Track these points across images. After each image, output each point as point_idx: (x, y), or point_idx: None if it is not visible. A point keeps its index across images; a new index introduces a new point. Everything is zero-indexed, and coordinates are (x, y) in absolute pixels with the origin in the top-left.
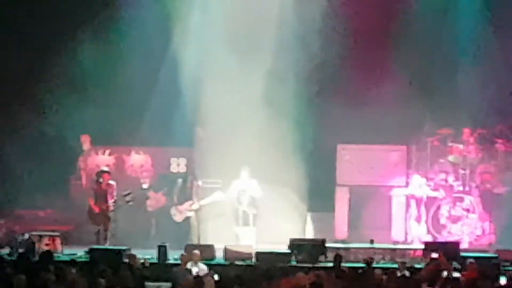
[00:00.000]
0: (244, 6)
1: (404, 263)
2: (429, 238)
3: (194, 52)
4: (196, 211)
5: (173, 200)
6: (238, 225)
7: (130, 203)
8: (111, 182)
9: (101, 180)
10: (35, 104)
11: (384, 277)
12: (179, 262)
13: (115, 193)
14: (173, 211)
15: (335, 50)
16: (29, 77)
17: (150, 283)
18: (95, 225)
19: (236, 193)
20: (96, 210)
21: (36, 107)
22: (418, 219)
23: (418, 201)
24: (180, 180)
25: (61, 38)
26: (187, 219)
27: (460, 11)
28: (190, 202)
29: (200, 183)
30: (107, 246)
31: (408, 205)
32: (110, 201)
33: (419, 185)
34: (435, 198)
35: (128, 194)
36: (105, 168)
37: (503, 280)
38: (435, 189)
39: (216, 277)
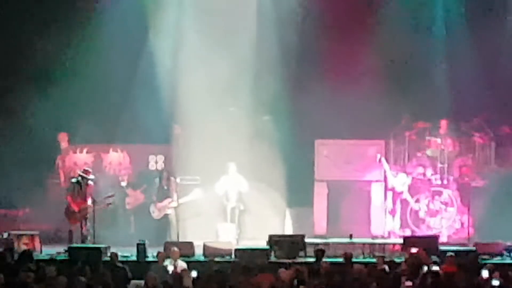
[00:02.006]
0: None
1: (382, 257)
2: (403, 232)
3: (170, 47)
4: (175, 208)
5: (152, 198)
6: (226, 222)
7: (110, 206)
8: (90, 182)
9: (82, 179)
10: (9, 103)
11: (364, 271)
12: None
13: (92, 194)
14: (152, 208)
15: (312, 45)
16: (1, 75)
17: (134, 281)
18: (70, 224)
19: (223, 189)
20: (75, 208)
21: (11, 106)
22: (392, 213)
23: (395, 195)
24: (156, 179)
25: (34, 34)
26: (166, 216)
27: (435, 5)
28: (169, 199)
29: (178, 180)
30: (87, 244)
31: (384, 198)
32: (89, 200)
33: (402, 183)
34: (414, 191)
35: (111, 196)
36: (91, 177)
37: (485, 274)
38: (416, 193)
39: (194, 273)
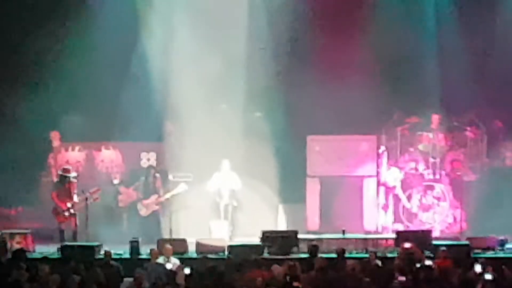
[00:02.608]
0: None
1: (375, 252)
2: (397, 227)
3: (161, 44)
4: (165, 204)
5: (139, 195)
6: (219, 219)
7: (97, 201)
8: (73, 180)
9: (64, 177)
10: (4, 99)
11: (357, 267)
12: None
13: (76, 191)
14: (139, 205)
15: (303, 41)
16: None
17: (127, 278)
18: (59, 222)
19: (216, 186)
20: (63, 207)
21: (1, 105)
22: (385, 208)
23: (387, 190)
24: (142, 177)
25: (24, 32)
26: (154, 213)
27: (426, 0)
28: (156, 196)
29: (171, 177)
30: (79, 242)
31: (377, 193)
32: (75, 197)
33: (394, 178)
34: (406, 185)
35: (97, 190)
36: (72, 174)
37: (477, 268)
38: (408, 188)
39: (187, 270)
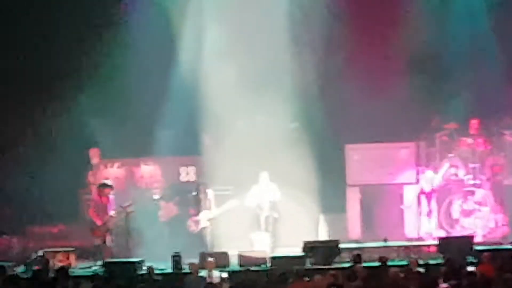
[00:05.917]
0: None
1: (416, 259)
2: (440, 233)
3: (198, 58)
4: (211, 219)
5: (189, 212)
6: (260, 231)
7: (132, 214)
8: (111, 196)
9: (103, 193)
10: (40, 120)
11: (401, 274)
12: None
13: (114, 207)
14: (189, 222)
15: (340, 48)
16: (33, 89)
17: None
18: (96, 237)
19: (255, 199)
20: (99, 222)
21: (42, 123)
22: (428, 214)
23: (428, 196)
24: (193, 193)
25: (59, 48)
26: (203, 229)
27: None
28: (207, 212)
29: (211, 191)
30: (121, 259)
31: (419, 202)
32: (111, 213)
33: (427, 181)
34: (446, 191)
35: (130, 204)
36: (108, 182)
37: None
38: (449, 194)
39: (228, 283)
